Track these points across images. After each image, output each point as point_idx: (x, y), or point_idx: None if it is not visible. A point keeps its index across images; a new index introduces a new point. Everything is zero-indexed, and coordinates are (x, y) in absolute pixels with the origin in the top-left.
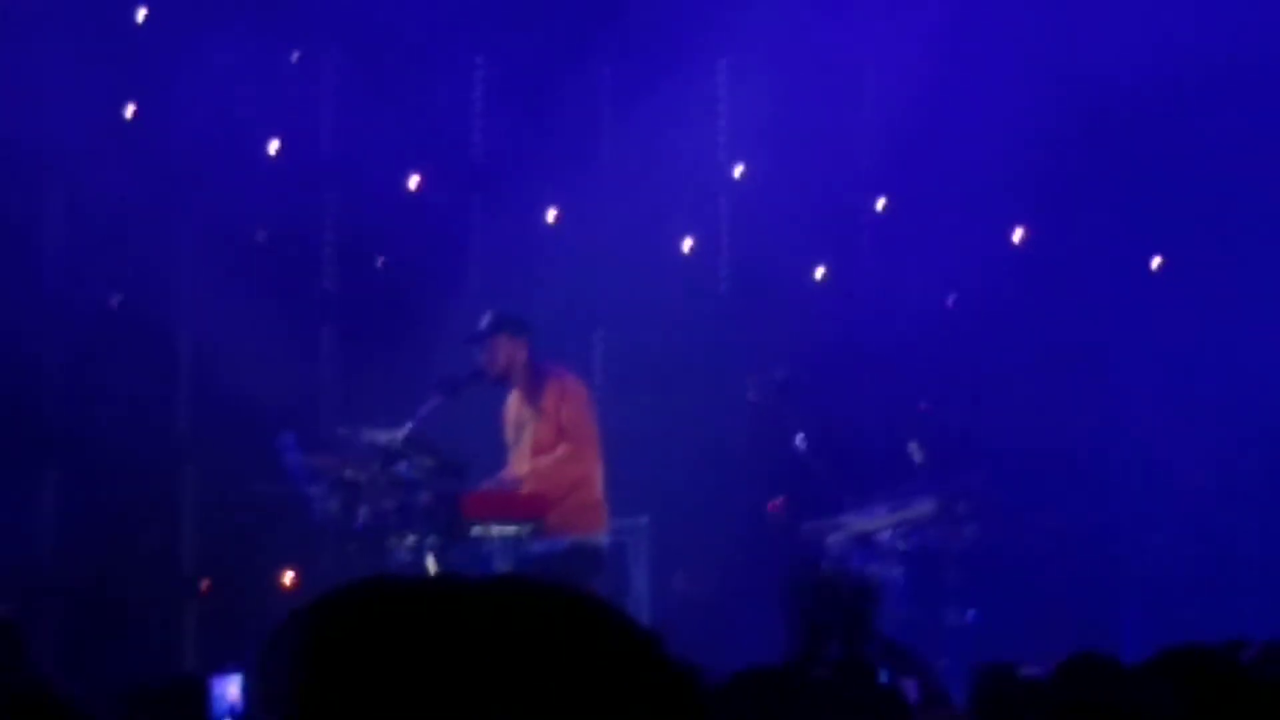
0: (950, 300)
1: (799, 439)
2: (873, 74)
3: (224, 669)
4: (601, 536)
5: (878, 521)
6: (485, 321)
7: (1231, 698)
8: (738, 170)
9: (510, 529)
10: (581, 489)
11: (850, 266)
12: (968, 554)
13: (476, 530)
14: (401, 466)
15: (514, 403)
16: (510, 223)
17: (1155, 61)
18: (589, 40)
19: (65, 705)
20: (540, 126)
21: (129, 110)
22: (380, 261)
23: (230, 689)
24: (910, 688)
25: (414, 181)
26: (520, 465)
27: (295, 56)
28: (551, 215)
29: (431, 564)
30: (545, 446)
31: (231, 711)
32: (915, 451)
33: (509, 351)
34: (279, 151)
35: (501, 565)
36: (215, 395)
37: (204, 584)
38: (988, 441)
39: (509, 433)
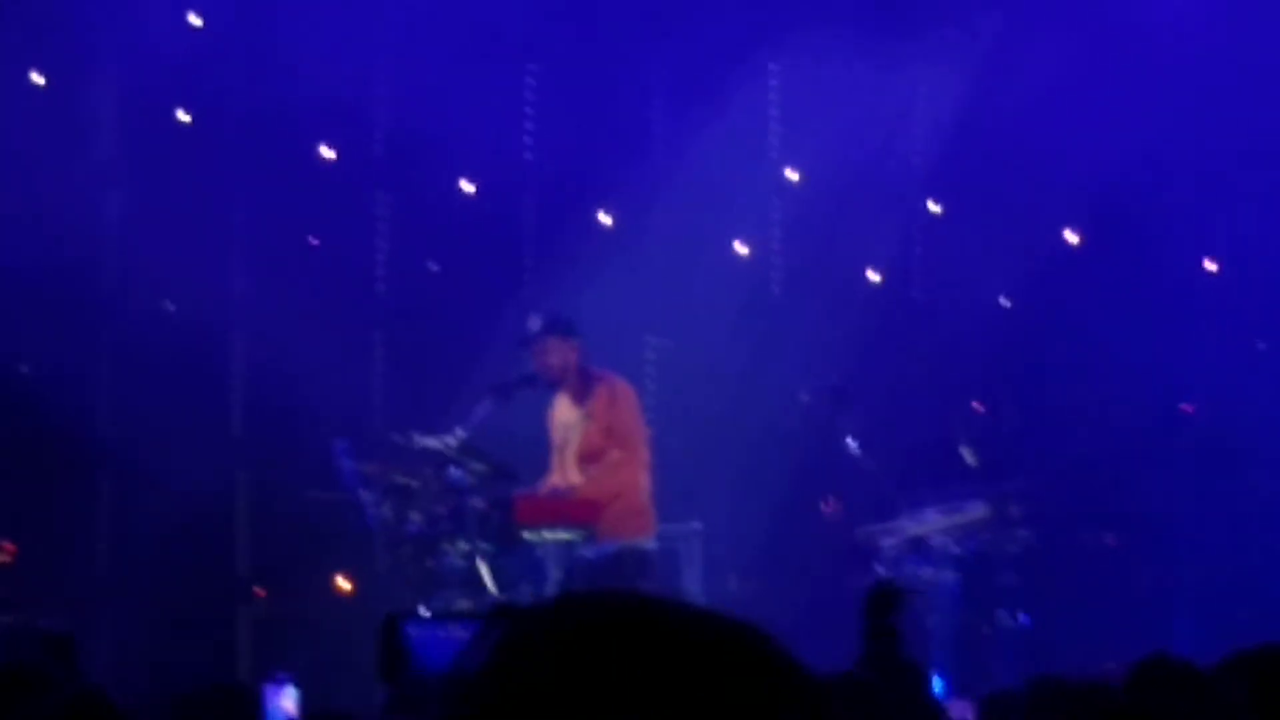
0: (1004, 302)
1: (852, 443)
2: (926, 76)
3: (277, 676)
4: (650, 541)
5: (931, 525)
6: (536, 324)
7: None
8: (791, 173)
9: (562, 534)
10: (629, 494)
11: (904, 269)
12: (1021, 558)
13: (528, 535)
14: (454, 472)
15: (562, 405)
16: (563, 227)
17: (1212, 62)
18: (642, 44)
19: (117, 710)
20: (593, 130)
21: (183, 116)
22: (433, 266)
23: (285, 700)
24: (962, 708)
25: (467, 186)
26: (567, 468)
27: (349, 62)
28: (605, 219)
29: (484, 570)
30: (592, 450)
31: None
32: (968, 455)
33: (560, 354)
34: (333, 157)
35: (553, 570)
36: (269, 402)
37: (258, 590)
38: (1041, 445)
39: (555, 435)
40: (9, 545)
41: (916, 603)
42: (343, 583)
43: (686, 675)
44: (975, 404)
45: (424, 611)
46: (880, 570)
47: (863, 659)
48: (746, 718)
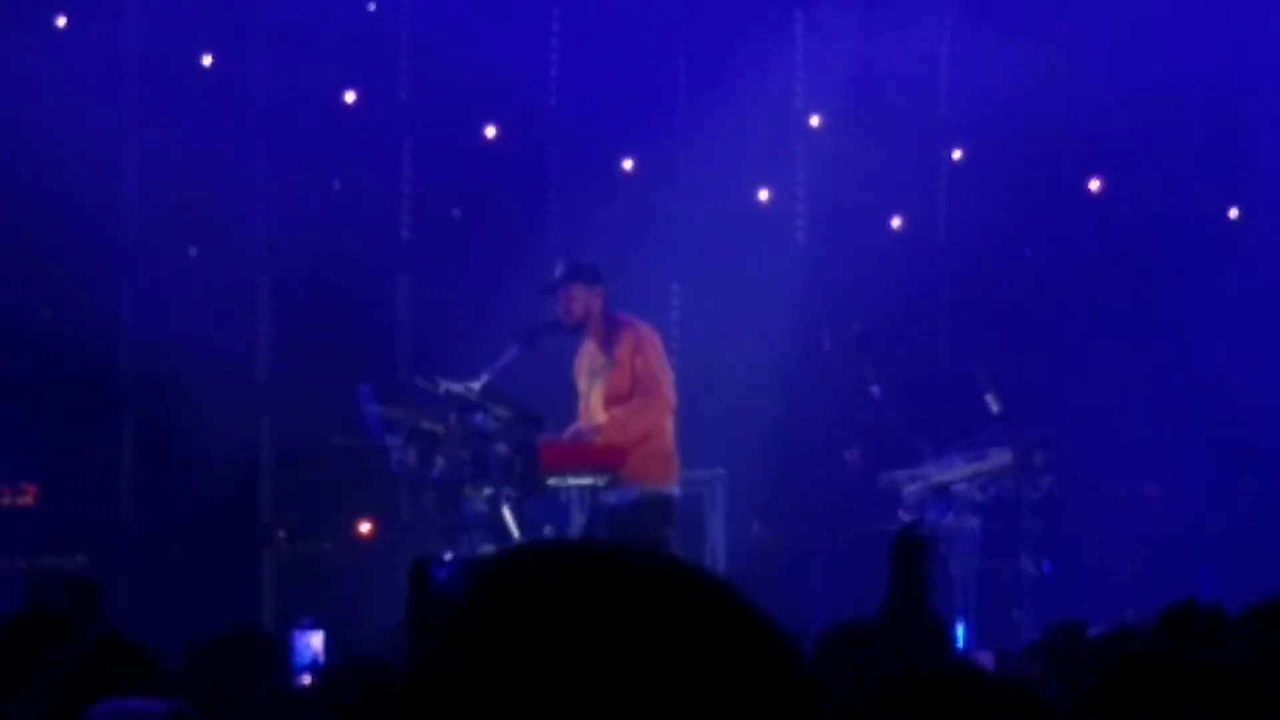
0: (1028, 251)
1: (875, 389)
2: (950, 24)
3: (304, 621)
4: (674, 487)
5: (954, 472)
6: (559, 270)
7: None
8: (814, 120)
9: (585, 480)
10: (654, 439)
11: (927, 217)
12: (1044, 505)
13: (552, 481)
14: (478, 417)
15: (588, 352)
16: (587, 173)
17: (1233, 8)
18: None
19: (141, 652)
20: (617, 76)
21: (206, 60)
22: (456, 212)
23: (313, 641)
24: (985, 659)
25: (491, 131)
26: (593, 415)
27: (372, 5)
28: (628, 165)
29: (508, 514)
30: (618, 396)
31: (314, 663)
32: (992, 402)
33: (584, 300)
34: (355, 101)
35: (577, 515)
36: (292, 346)
37: (280, 534)
38: (1065, 393)
39: (581, 381)
40: (31, 488)
41: (939, 549)
42: (364, 527)
43: (642, 630)
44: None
45: (448, 556)
46: (904, 516)
47: (887, 609)
48: (710, 669)
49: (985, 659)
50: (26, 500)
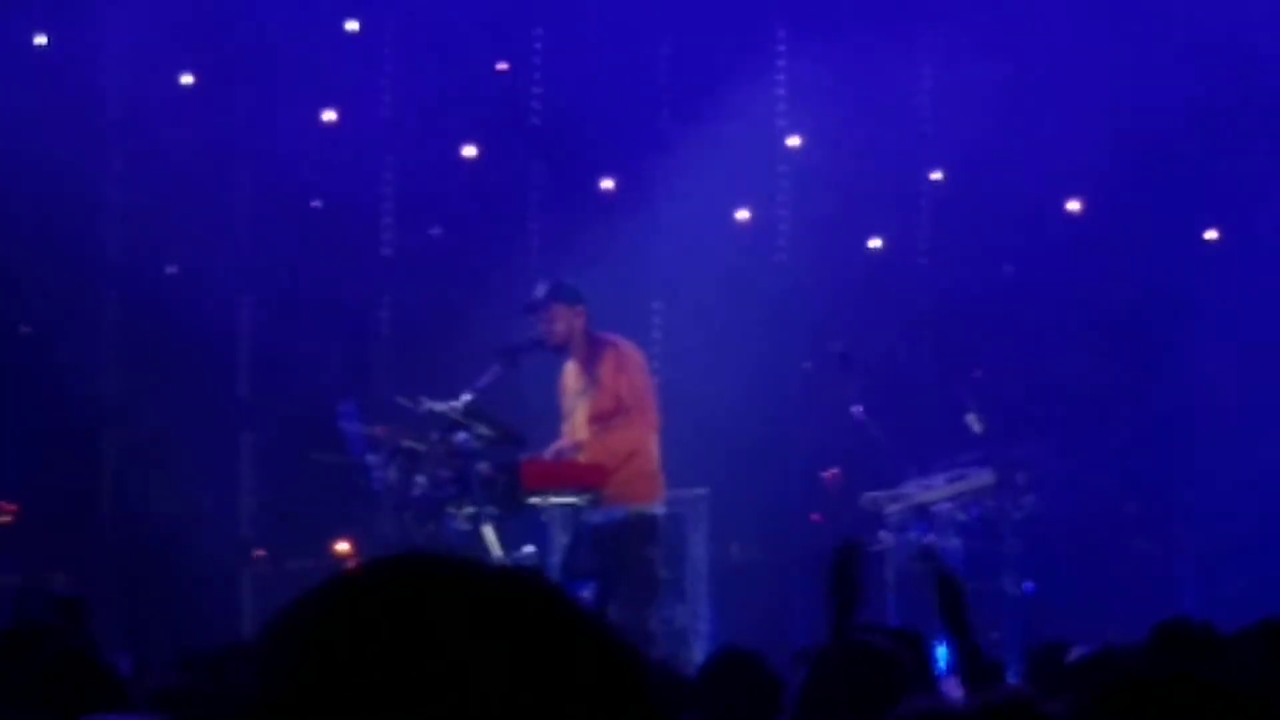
0: (1008, 270)
1: (857, 409)
2: (930, 45)
3: None
4: (658, 506)
5: (937, 492)
6: (541, 290)
7: None
8: (795, 140)
9: (568, 499)
10: (638, 458)
11: (907, 237)
12: (1026, 525)
13: (534, 500)
14: (460, 436)
15: (571, 372)
16: (568, 192)
17: (1214, 29)
18: (650, 10)
19: (104, 671)
20: (598, 96)
21: (186, 79)
22: (436, 230)
23: None
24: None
25: (471, 150)
26: (578, 434)
27: (353, 25)
28: (609, 184)
29: (489, 534)
30: (601, 416)
31: None
32: (974, 422)
33: (566, 320)
34: (335, 120)
35: (559, 535)
36: (274, 364)
37: (259, 552)
38: (1046, 413)
39: (566, 402)
40: (9, 506)
41: (922, 569)
42: (344, 546)
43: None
44: (976, 371)
45: None
46: (885, 536)
47: (835, 624)
48: (537, 678)
49: (952, 687)
50: (5, 519)
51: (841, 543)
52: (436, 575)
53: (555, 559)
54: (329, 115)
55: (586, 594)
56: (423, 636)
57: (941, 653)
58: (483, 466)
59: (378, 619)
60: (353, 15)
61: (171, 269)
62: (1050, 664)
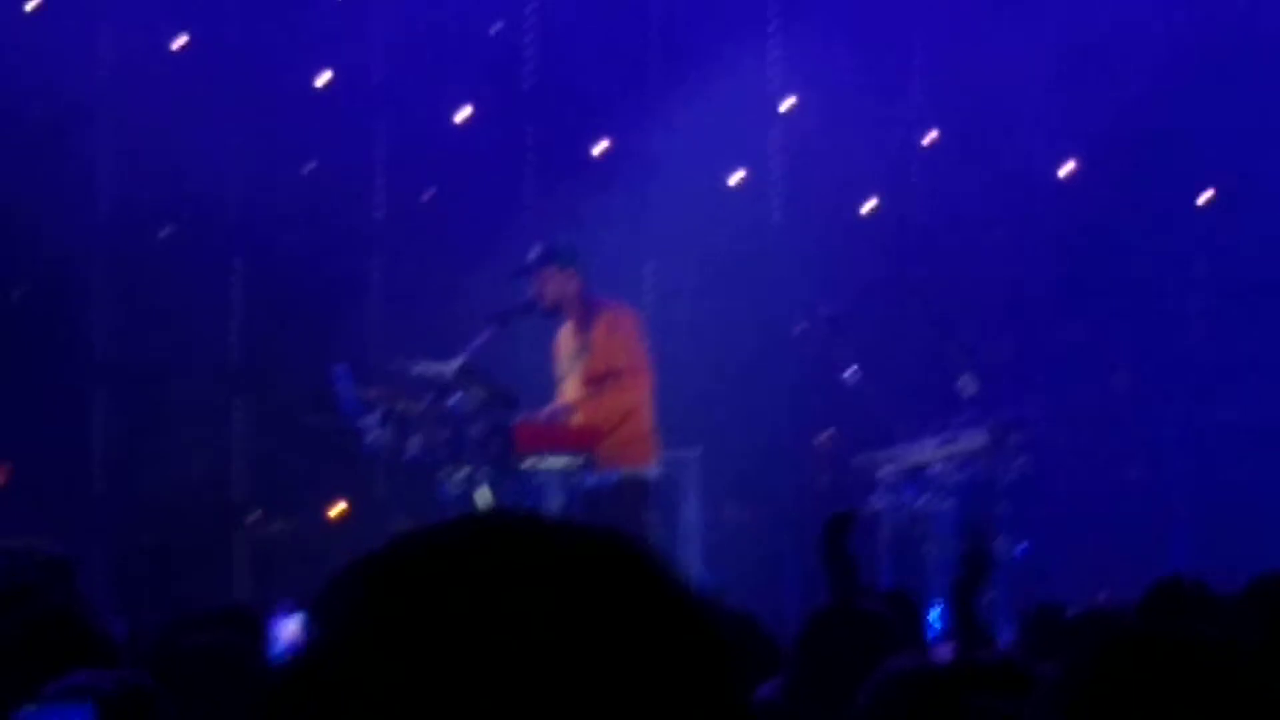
0: (1001, 233)
1: (850, 372)
2: (923, 6)
3: (283, 604)
4: (652, 469)
5: (929, 454)
6: (534, 253)
7: None
8: (788, 103)
9: (562, 461)
10: (632, 421)
11: (900, 199)
12: (1019, 487)
13: (528, 462)
14: (454, 399)
15: (566, 335)
16: (560, 155)
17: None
18: None
19: (94, 630)
20: (591, 59)
21: (179, 41)
22: (429, 193)
23: (288, 629)
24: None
25: (463, 113)
26: (570, 398)
27: None
28: (602, 147)
29: (483, 496)
30: (595, 379)
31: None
32: (967, 384)
33: (559, 283)
34: (328, 83)
35: (553, 497)
36: (266, 326)
37: (253, 515)
38: (1040, 374)
39: (561, 365)
40: (4, 468)
41: (913, 531)
42: (338, 509)
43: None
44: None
45: None
46: (877, 499)
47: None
48: (625, 642)
49: (945, 651)
50: (1, 479)
51: (832, 515)
52: (518, 537)
53: None
54: (322, 78)
55: None
56: (500, 607)
57: (934, 615)
58: (476, 429)
59: (453, 589)
60: None
61: (164, 231)
62: (1044, 626)
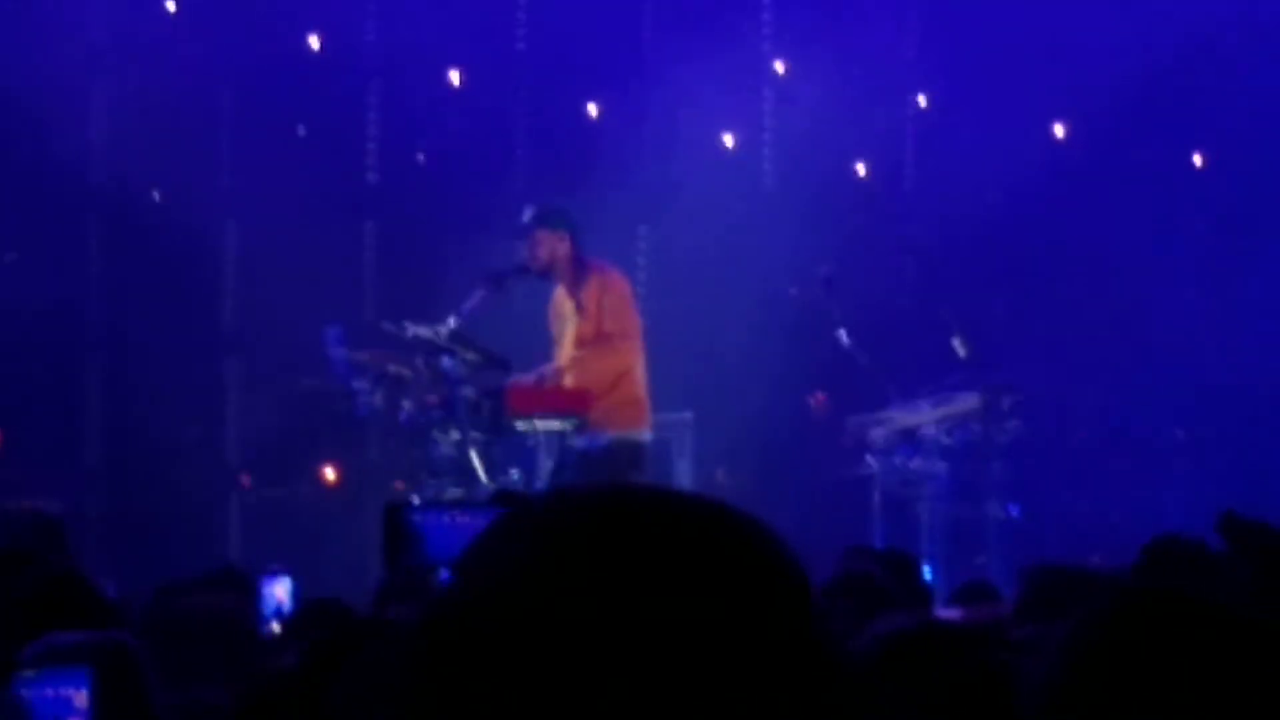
0: (993, 195)
1: (843, 334)
2: None
3: (271, 568)
4: (644, 432)
5: (922, 416)
6: (526, 215)
7: None
8: (780, 65)
9: (554, 424)
10: (623, 384)
11: (893, 163)
12: (1011, 449)
13: (520, 425)
14: (446, 361)
15: (559, 297)
16: (553, 118)
17: None
18: None
19: (94, 591)
20: (583, 20)
21: (171, 4)
22: (421, 156)
23: (278, 589)
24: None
25: (455, 76)
26: (563, 360)
27: None
28: (594, 110)
29: (475, 459)
30: (586, 342)
31: (279, 612)
32: (959, 346)
33: (550, 245)
34: (320, 46)
35: (545, 460)
36: (259, 290)
37: (245, 478)
38: (1032, 337)
39: (554, 326)
40: None
41: (906, 493)
42: (330, 472)
43: (684, 567)
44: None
45: (415, 500)
46: (871, 461)
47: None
48: (742, 611)
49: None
50: None
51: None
52: (636, 514)
53: (542, 484)
54: (314, 41)
55: None
56: (622, 589)
57: (927, 573)
58: (468, 391)
59: (573, 569)
60: None
61: (156, 194)
62: (1044, 585)
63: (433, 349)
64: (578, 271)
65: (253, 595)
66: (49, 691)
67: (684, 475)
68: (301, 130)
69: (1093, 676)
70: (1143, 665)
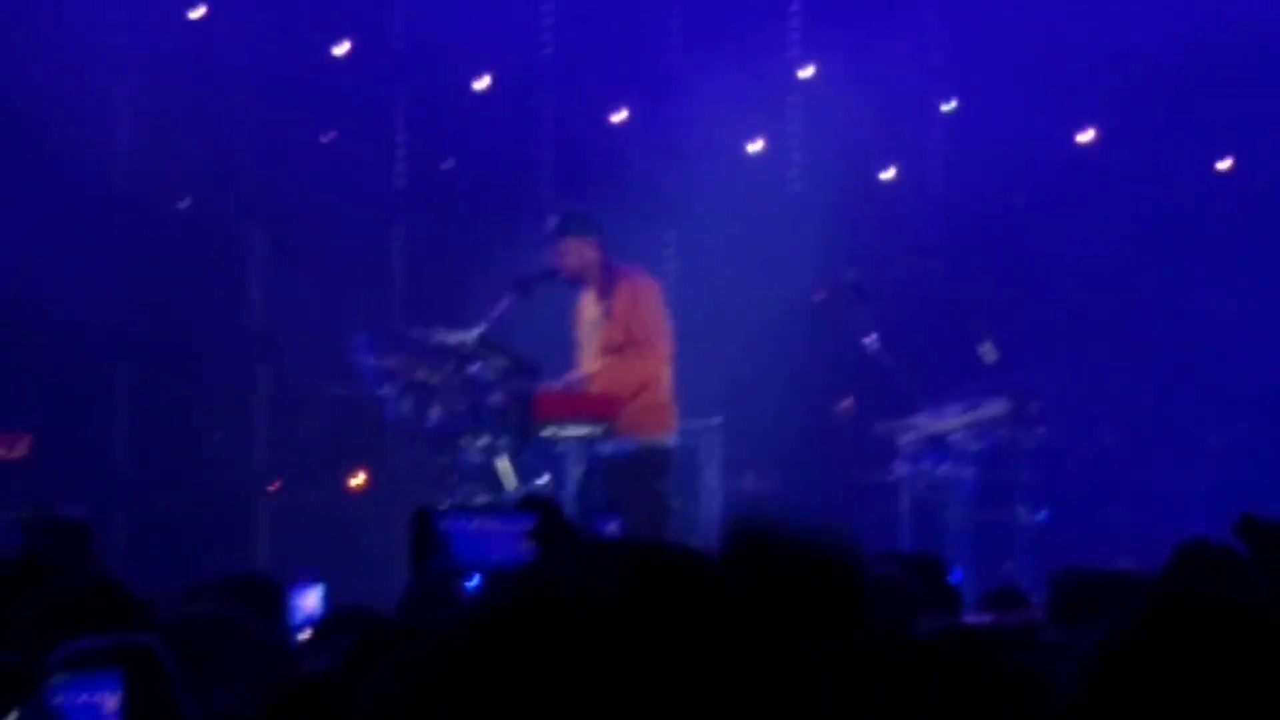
0: (1020, 200)
1: (871, 339)
2: None
3: (298, 574)
4: (670, 438)
5: (950, 422)
6: (553, 223)
7: None
8: (807, 70)
9: (582, 430)
10: (650, 391)
11: (920, 167)
12: (1039, 454)
13: (548, 431)
14: (474, 367)
15: (587, 303)
16: (580, 124)
17: None
18: None
19: (130, 596)
20: (610, 27)
21: (198, 11)
22: (449, 163)
23: (309, 599)
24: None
25: (483, 83)
26: (589, 366)
27: None
28: (621, 116)
29: (504, 465)
30: (612, 348)
31: (309, 621)
32: (987, 352)
33: (579, 252)
34: (347, 52)
35: (573, 466)
36: (287, 297)
37: (274, 484)
38: (1060, 341)
39: (582, 332)
40: (25, 439)
41: (934, 498)
42: (358, 478)
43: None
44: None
45: (444, 507)
46: (898, 466)
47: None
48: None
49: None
50: (20, 453)
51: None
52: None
53: (570, 490)
54: (341, 48)
55: (612, 528)
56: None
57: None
58: (496, 398)
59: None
60: None
61: (184, 202)
62: (1074, 590)
63: (460, 355)
64: (607, 277)
65: (275, 603)
66: (82, 696)
67: (712, 481)
68: (329, 137)
69: (1126, 680)
70: (1175, 670)
